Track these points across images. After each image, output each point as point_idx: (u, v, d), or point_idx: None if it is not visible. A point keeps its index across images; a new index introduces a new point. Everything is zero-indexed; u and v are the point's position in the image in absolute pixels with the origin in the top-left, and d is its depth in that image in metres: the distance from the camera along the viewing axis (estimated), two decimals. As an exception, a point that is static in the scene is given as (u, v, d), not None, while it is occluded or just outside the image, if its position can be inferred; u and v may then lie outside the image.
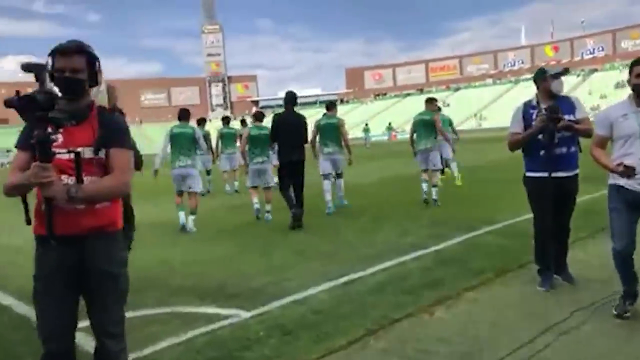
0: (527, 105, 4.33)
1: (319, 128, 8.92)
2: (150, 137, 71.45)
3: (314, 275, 5.11)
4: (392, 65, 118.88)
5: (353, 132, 60.85)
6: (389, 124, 62.05)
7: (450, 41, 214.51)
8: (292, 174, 7.64)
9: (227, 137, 13.16)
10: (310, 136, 8.66)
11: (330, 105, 9.21)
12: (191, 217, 7.88)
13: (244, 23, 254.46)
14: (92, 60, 2.40)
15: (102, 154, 2.35)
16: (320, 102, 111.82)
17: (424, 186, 9.03)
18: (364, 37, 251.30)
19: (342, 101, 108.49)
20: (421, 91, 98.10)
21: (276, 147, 8.08)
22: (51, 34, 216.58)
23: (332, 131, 8.83)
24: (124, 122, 2.60)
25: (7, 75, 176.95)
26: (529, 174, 4.37)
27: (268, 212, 8.45)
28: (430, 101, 9.54)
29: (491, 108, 72.30)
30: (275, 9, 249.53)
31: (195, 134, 7.92)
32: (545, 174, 4.17)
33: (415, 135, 9.14)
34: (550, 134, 4.07)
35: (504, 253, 5.49)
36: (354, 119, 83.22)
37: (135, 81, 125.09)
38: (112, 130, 2.41)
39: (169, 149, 7.93)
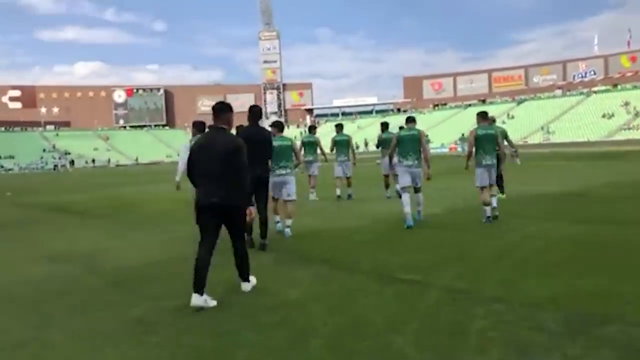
0: None
1: (398, 140, 8.68)
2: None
3: None
4: (452, 74, 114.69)
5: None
6: (462, 135, 58.67)
7: (513, 52, 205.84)
8: (256, 189, 6.91)
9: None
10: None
11: (410, 119, 8.96)
12: None
13: (303, 32, 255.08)
14: None
15: None
16: (377, 111, 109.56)
17: (488, 210, 8.38)
18: (424, 47, 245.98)
19: (398, 110, 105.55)
20: (483, 102, 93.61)
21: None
22: (120, 41, 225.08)
23: (412, 143, 8.55)
24: None
25: (78, 80, 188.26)
26: None
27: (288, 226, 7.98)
28: (485, 115, 8.98)
29: (560, 121, 67.29)
30: (335, 19, 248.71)
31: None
32: None
33: (478, 150, 8.60)
34: None
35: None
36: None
37: (192, 88, 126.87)
38: None
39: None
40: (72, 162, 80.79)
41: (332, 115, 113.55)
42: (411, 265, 5.69)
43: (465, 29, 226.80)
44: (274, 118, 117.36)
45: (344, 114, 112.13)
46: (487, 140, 8.57)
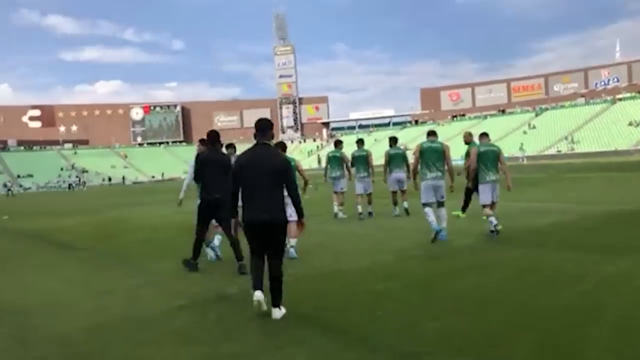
0: None
1: (421, 152, 8.55)
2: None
3: None
4: (470, 84, 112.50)
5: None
6: (521, 144, 57.11)
7: (531, 62, 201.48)
8: (215, 212, 6.96)
9: None
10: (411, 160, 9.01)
11: (432, 133, 8.93)
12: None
13: (320, 48, 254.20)
14: None
15: None
16: (394, 124, 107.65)
17: (493, 219, 8.31)
18: (440, 58, 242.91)
19: (416, 122, 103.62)
20: (503, 112, 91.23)
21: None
22: (140, 60, 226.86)
23: (436, 155, 8.49)
24: None
25: (99, 98, 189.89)
26: None
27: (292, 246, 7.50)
28: (486, 135, 9.13)
29: (584, 130, 64.73)
30: (350, 34, 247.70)
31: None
32: None
33: (481, 167, 8.61)
34: None
35: None
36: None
37: (209, 104, 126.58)
38: None
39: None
40: (84, 183, 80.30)
41: (349, 128, 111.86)
42: (454, 334, 4.02)
43: (481, 40, 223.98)
44: (290, 132, 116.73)
45: (360, 126, 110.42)
46: (488, 157, 8.56)
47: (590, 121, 67.31)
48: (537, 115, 79.38)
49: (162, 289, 6.22)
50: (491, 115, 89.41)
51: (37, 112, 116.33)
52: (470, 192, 10.40)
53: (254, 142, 4.89)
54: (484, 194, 8.51)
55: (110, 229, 13.45)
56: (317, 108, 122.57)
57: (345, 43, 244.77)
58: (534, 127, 72.47)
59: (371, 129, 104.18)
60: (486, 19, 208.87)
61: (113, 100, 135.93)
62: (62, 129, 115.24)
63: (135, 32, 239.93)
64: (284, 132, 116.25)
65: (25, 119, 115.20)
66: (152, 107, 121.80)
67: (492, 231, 8.27)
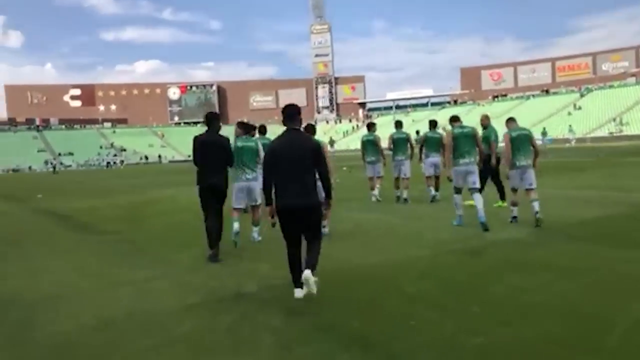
0: None
1: (453, 138, 8.28)
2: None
3: None
4: (513, 63, 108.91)
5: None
6: (570, 126, 54.69)
7: (578, 39, 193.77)
8: (211, 200, 6.70)
9: None
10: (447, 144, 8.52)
11: (455, 118, 8.78)
12: (255, 229, 7.82)
13: (357, 26, 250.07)
14: None
15: None
16: (432, 104, 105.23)
17: (536, 205, 7.97)
18: (482, 36, 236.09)
19: (455, 102, 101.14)
20: (547, 92, 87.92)
21: None
22: (177, 40, 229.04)
23: (468, 140, 8.26)
24: None
25: (138, 78, 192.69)
26: None
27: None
28: (513, 120, 8.97)
29: (635, 111, 61.60)
30: (389, 10, 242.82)
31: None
32: None
33: (514, 151, 8.33)
34: None
35: None
36: (469, 122, 75.86)
37: (245, 83, 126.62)
38: None
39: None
40: (121, 162, 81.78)
41: (386, 108, 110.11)
42: (500, 352, 3.42)
43: (526, 17, 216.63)
44: (325, 113, 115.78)
45: (397, 107, 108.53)
46: (522, 141, 8.37)
47: (641, 102, 64.09)
48: (582, 95, 76.07)
49: (177, 282, 5.79)
50: (534, 96, 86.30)
51: (77, 92, 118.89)
52: (496, 176, 10.28)
53: (284, 127, 4.92)
54: (513, 180, 8.39)
55: (139, 211, 13.20)
56: (353, 88, 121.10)
57: (384, 19, 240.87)
58: (580, 108, 69.53)
59: (408, 110, 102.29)
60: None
61: (152, 79, 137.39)
62: (101, 108, 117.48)
63: (173, 11, 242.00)
64: (319, 113, 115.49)
65: (66, 98, 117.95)
66: (188, 87, 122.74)
67: (510, 221, 8.32)
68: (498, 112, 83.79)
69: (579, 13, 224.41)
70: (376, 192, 11.92)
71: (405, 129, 13.05)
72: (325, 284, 4.77)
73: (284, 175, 4.68)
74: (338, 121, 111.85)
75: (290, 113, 4.87)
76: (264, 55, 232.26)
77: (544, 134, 47.38)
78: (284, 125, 4.88)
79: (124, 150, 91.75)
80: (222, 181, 6.70)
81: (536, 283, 4.99)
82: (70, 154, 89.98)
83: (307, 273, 4.48)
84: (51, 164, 70.31)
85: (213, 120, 6.85)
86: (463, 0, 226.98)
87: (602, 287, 4.81)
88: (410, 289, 5.01)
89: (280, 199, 4.69)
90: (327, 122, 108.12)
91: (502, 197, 10.22)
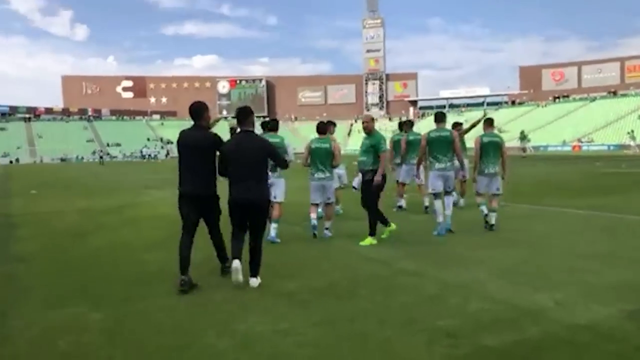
0: None
1: (428, 141, 8.02)
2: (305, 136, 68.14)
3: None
4: (577, 63, 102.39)
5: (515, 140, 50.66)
6: (631, 131, 50.86)
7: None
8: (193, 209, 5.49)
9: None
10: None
11: (440, 118, 8.22)
12: (327, 223, 7.98)
13: (413, 22, 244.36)
14: None
15: None
16: (488, 104, 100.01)
17: (493, 217, 8.01)
18: (544, 35, 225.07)
19: (513, 103, 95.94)
20: (614, 94, 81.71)
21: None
22: (234, 35, 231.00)
23: (444, 145, 7.94)
24: None
25: (196, 72, 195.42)
26: None
27: (327, 228, 7.89)
28: (492, 122, 8.65)
29: None
30: (447, 7, 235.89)
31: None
32: None
33: (483, 157, 8.29)
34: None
35: None
36: (528, 124, 71.11)
37: (293, 79, 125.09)
38: None
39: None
40: (167, 154, 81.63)
41: (438, 107, 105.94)
42: None
43: (591, 15, 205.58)
44: (374, 110, 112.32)
45: (451, 106, 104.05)
46: (492, 148, 8.29)
47: None
48: (656, 98, 70.12)
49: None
50: (600, 97, 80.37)
51: (129, 83, 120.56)
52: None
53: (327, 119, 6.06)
54: (480, 184, 8.28)
55: (135, 216, 10.86)
56: (405, 85, 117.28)
57: (441, 17, 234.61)
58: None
59: (462, 109, 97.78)
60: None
61: (207, 74, 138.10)
62: (152, 100, 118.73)
63: (232, 7, 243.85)
64: (368, 110, 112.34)
65: (119, 89, 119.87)
66: (237, 81, 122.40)
67: (485, 214, 8.11)
68: (558, 114, 78.52)
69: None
70: (400, 200, 10.75)
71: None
72: None
73: (237, 172, 5.16)
74: (388, 119, 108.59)
75: (243, 116, 5.32)
76: (317, 51, 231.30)
77: (522, 138, 47.48)
78: (238, 125, 5.35)
79: (170, 142, 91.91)
80: (204, 190, 5.48)
81: None
82: (118, 144, 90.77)
83: (252, 282, 5.04)
84: (95, 153, 70.55)
85: (198, 111, 5.56)
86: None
87: None
88: None
89: (234, 193, 5.13)
90: (374, 119, 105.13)
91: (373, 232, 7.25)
